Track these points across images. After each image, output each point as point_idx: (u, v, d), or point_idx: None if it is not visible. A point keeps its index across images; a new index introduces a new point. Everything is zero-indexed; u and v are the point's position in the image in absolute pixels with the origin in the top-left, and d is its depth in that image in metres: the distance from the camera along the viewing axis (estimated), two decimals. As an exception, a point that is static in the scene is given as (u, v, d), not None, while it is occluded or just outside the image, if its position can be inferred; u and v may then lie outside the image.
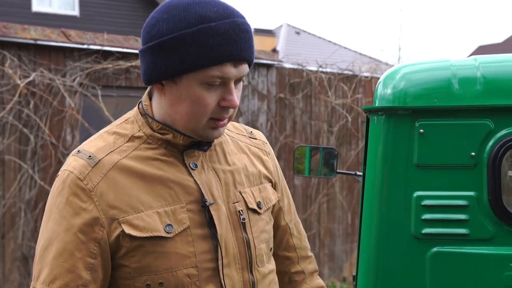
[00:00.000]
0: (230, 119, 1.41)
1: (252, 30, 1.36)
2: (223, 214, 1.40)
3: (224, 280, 1.37)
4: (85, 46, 5.87)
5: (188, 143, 1.39)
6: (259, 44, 14.82)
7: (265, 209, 1.50)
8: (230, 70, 1.32)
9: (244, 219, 1.42)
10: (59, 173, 1.37)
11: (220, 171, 1.44)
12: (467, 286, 1.67)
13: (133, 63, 6.04)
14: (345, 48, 18.68)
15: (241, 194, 1.45)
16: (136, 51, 6.10)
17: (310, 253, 1.68)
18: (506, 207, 1.92)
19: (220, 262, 1.37)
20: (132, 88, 6.21)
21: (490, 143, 1.93)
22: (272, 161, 1.60)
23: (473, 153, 1.93)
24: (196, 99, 1.33)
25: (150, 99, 1.44)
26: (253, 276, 1.43)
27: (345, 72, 7.27)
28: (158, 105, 1.40)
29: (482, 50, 27.22)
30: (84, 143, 1.41)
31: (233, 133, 1.56)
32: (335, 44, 19.56)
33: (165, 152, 1.39)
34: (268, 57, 6.78)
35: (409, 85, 2.00)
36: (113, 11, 14.09)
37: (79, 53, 5.89)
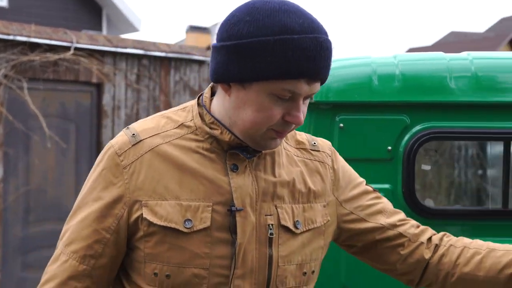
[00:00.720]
0: (289, 132, 1.37)
1: (333, 48, 1.31)
2: (250, 223, 1.34)
3: None
4: (11, 37, 5.70)
5: (234, 143, 1.35)
6: (194, 41, 14.74)
7: (305, 230, 1.40)
8: (303, 87, 1.28)
9: (272, 234, 1.35)
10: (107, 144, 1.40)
11: (261, 179, 1.37)
12: (382, 278, 1.72)
13: (62, 56, 5.91)
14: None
15: (276, 208, 1.37)
16: (65, 44, 5.97)
17: (420, 227, 1.54)
18: (419, 200, 1.99)
19: (234, 271, 1.33)
20: (60, 81, 6.07)
21: (406, 138, 1.99)
22: (334, 174, 1.49)
23: (389, 147, 1.99)
24: (262, 108, 1.29)
25: (213, 93, 1.41)
26: None
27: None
28: (221, 103, 1.36)
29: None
30: (139, 120, 1.43)
31: (291, 147, 1.47)
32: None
33: (210, 147, 1.36)
34: (200, 53, 6.77)
35: (331, 80, 2.04)
36: (44, 3, 13.73)
37: (5, 44, 5.71)
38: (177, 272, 1.32)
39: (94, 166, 1.39)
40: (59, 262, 1.35)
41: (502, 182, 2.02)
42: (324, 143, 1.52)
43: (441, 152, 2.02)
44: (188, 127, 1.37)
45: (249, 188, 1.35)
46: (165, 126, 1.37)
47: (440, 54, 2.13)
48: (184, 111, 1.40)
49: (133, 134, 1.36)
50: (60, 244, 1.37)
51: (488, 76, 2.04)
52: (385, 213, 1.51)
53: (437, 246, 1.51)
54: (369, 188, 1.53)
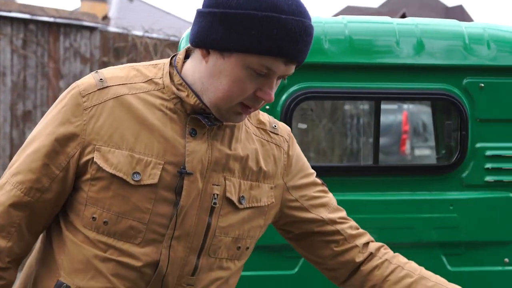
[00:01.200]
0: (255, 110, 1.39)
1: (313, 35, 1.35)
2: (196, 189, 1.37)
3: (168, 250, 1.36)
4: None
5: (198, 108, 1.36)
6: (89, 10, 14.30)
7: (248, 206, 1.44)
8: (280, 66, 1.31)
9: (215, 203, 1.39)
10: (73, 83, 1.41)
11: (216, 149, 1.39)
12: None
13: None
14: (179, 18, 18.61)
15: (224, 180, 1.40)
16: None
17: (359, 230, 1.58)
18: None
19: (171, 232, 1.35)
20: None
21: (283, 98, 2.06)
22: (288, 160, 1.52)
23: (267, 107, 2.05)
24: (237, 80, 1.32)
25: (187, 56, 1.42)
26: (199, 261, 1.39)
27: (171, 38, 7.28)
28: (195, 68, 1.38)
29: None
30: (109, 67, 1.45)
31: (252, 126, 1.50)
32: (168, 13, 19.41)
33: (173, 108, 1.37)
34: (91, 19, 6.59)
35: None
36: None
37: None
38: (115, 221, 1.34)
39: (55, 103, 1.40)
40: (3, 191, 1.36)
41: (373, 140, 2.13)
42: (284, 128, 1.55)
43: (317, 112, 2.09)
44: (156, 83, 1.39)
45: (203, 155, 1.37)
46: (133, 78, 1.39)
47: (316, 17, 2.19)
48: (155, 67, 1.42)
49: (101, 79, 1.37)
50: (7, 173, 1.38)
51: (361, 39, 2.14)
52: (328, 208, 1.55)
53: (372, 255, 1.55)
54: (318, 180, 1.57)
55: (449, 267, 2.14)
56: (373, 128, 2.13)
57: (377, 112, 2.14)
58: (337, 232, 1.54)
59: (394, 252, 1.59)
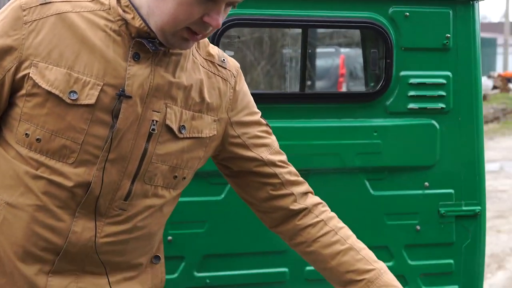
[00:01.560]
0: (203, 37, 1.37)
1: None
2: (134, 113, 1.35)
3: (101, 172, 1.35)
4: None
5: (143, 32, 1.35)
6: None
7: (188, 136, 1.43)
8: None
9: (154, 130, 1.38)
10: None
11: (159, 75, 1.38)
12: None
13: None
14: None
15: (166, 107, 1.39)
16: None
17: (298, 178, 1.57)
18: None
19: (105, 154, 1.34)
20: None
21: (210, 25, 2.03)
22: (234, 95, 1.51)
23: (194, 34, 2.02)
24: (184, 3, 1.29)
25: None
26: (133, 186, 1.39)
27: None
28: None
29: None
30: None
31: (200, 57, 1.48)
32: None
33: (118, 30, 1.36)
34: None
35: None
36: None
37: None
38: (48, 139, 1.33)
39: None
40: None
41: (300, 68, 2.14)
42: (233, 63, 1.55)
43: (244, 39, 2.08)
44: (102, 4, 1.37)
45: (144, 80, 1.36)
46: None
47: None
48: None
49: None
50: None
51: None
52: (269, 149, 1.55)
53: (308, 211, 1.55)
54: (262, 121, 1.57)
55: (372, 192, 2.21)
56: (300, 55, 2.14)
57: (304, 40, 2.15)
58: (275, 175, 1.55)
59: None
